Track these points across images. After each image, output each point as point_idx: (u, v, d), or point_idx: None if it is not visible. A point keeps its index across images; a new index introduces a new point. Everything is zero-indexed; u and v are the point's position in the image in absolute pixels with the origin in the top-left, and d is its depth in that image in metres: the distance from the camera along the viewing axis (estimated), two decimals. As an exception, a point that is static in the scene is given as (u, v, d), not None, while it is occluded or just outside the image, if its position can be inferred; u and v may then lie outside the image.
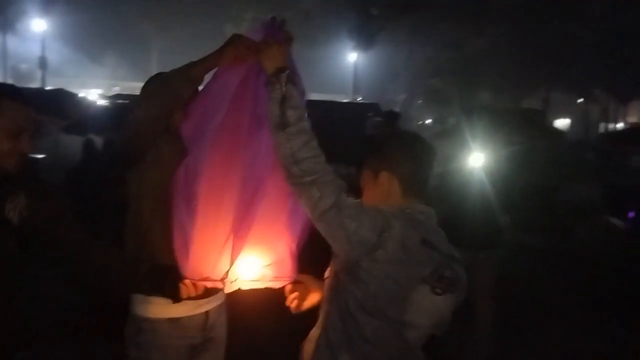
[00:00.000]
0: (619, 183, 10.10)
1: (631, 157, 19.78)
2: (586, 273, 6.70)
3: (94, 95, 20.60)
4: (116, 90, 28.47)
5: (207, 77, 1.77)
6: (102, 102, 13.46)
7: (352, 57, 30.47)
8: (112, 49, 33.04)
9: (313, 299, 1.69)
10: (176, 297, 1.73)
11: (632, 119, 33.13)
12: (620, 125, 32.51)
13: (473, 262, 3.61)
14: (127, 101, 16.40)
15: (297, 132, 1.44)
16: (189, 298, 1.80)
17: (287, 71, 1.49)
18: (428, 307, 1.45)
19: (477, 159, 3.65)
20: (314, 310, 1.69)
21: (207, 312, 1.99)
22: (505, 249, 3.93)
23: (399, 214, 1.45)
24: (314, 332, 1.57)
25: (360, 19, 29.54)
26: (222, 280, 1.68)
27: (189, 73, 1.70)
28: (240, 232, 1.66)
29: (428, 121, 33.28)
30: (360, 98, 29.54)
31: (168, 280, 1.71)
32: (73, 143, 10.99)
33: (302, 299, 1.69)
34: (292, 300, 1.70)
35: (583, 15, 29.54)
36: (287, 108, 1.44)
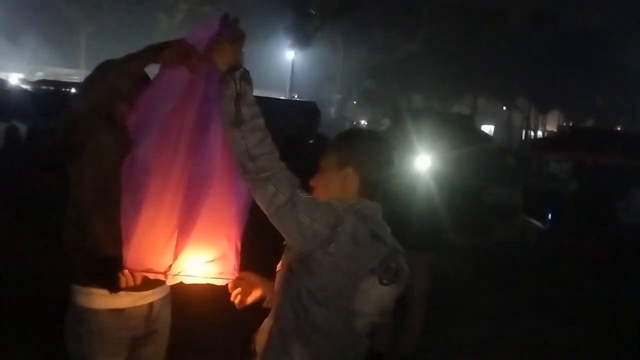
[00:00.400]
0: (537, 187, 10.76)
1: (549, 163, 21.10)
2: (506, 270, 7.13)
3: (15, 79, 19.41)
4: (40, 75, 26.93)
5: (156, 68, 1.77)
6: (26, 87, 12.70)
7: (289, 55, 30.48)
8: (34, 31, 31.10)
9: (256, 294, 1.73)
10: (114, 287, 1.72)
11: (551, 128, 35.27)
12: (540, 133, 34.55)
13: (414, 261, 3.73)
14: (52, 88, 15.61)
15: (252, 129, 1.46)
16: (130, 289, 1.79)
17: (241, 69, 1.51)
18: (375, 297, 1.53)
19: (423, 160, 3.75)
20: (260, 303, 1.74)
21: (151, 304, 1.97)
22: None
23: (350, 209, 1.51)
24: (266, 323, 1.61)
25: (297, 18, 29.62)
26: (165, 273, 1.69)
27: (126, 67, 1.70)
28: (185, 226, 1.68)
29: (362, 121, 33.86)
30: (296, 96, 29.62)
31: (105, 269, 1.70)
32: (-7, 129, 10.33)
33: (245, 294, 1.73)
34: (235, 296, 1.73)
35: (507, 28, 31.19)
36: (241, 106, 1.46)
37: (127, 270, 1.70)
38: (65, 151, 1.87)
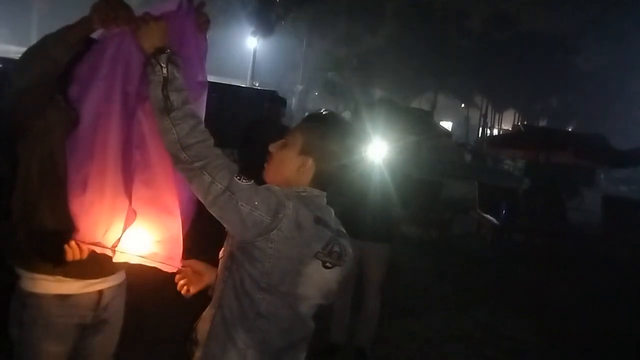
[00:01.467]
0: (492, 183, 11.01)
1: (504, 161, 21.68)
2: (461, 263, 7.27)
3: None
4: (-12, 51, 25.68)
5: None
6: (-29, 63, 12.06)
7: (251, 43, 30.09)
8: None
9: (202, 282, 1.68)
10: (60, 261, 1.64)
11: (506, 126, 36.22)
12: (496, 131, 35.44)
13: (367, 253, 3.74)
14: (0, 65, 14.88)
15: (182, 117, 1.38)
16: (78, 275, 1.74)
17: (168, 51, 1.42)
18: (319, 280, 1.50)
19: (377, 151, 3.74)
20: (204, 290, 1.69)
21: (101, 292, 1.89)
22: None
23: (291, 194, 1.47)
24: (208, 312, 1.55)
25: (261, 5, 29.26)
26: (112, 248, 1.63)
27: (65, 37, 1.60)
28: (136, 202, 1.62)
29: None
30: (257, 84, 29.32)
31: (50, 243, 1.63)
32: None
33: (191, 283, 1.67)
34: (182, 286, 1.68)
35: (469, 27, 31.85)
36: (169, 91, 1.38)
37: (74, 243, 1.63)
38: (11, 130, 1.76)
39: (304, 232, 1.44)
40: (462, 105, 38.30)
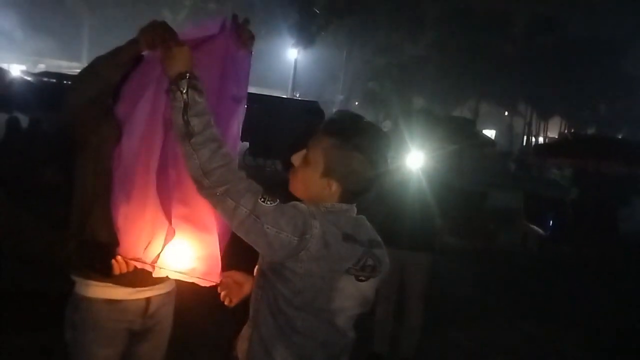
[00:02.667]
0: (538, 193, 10.75)
1: (550, 170, 21.11)
2: (506, 274, 7.11)
3: (17, 71, 19.38)
4: (42, 67, 26.89)
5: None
6: (27, 79, 12.68)
7: (292, 54, 30.44)
8: (37, 23, 31.05)
9: (243, 291, 1.71)
10: (107, 274, 1.71)
11: (552, 134, 35.28)
12: (541, 140, 34.55)
13: (408, 263, 3.72)
14: (54, 80, 15.57)
15: (203, 142, 1.38)
16: (126, 282, 1.80)
17: (188, 76, 1.42)
18: (353, 293, 1.49)
19: (415, 160, 3.73)
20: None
21: (148, 299, 1.94)
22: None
23: (318, 212, 1.45)
24: (246, 330, 1.57)
25: (302, 17, 29.61)
26: (152, 264, 1.68)
27: (115, 58, 1.68)
28: (175, 219, 1.66)
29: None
30: (298, 95, 29.61)
31: (98, 256, 1.69)
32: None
33: (232, 293, 1.71)
34: (224, 297, 1.71)
35: (512, 33, 31.23)
36: (189, 116, 1.38)
37: (120, 258, 1.70)
38: (68, 144, 1.87)
39: (333, 250, 1.42)
40: (506, 113, 37.53)
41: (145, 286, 1.91)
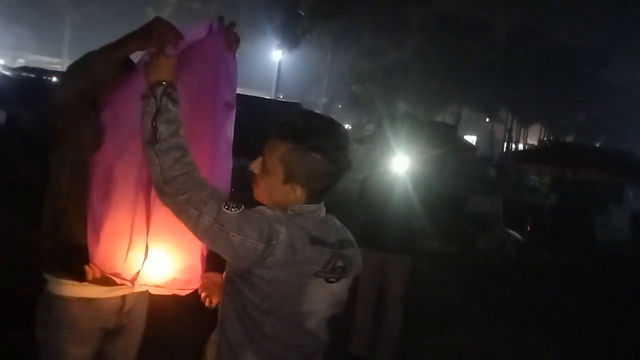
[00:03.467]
0: (517, 199, 10.87)
1: (529, 176, 21.39)
2: (484, 279, 7.17)
3: (-5, 65, 19.03)
4: (21, 62, 26.46)
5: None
6: (6, 74, 12.46)
7: (276, 56, 30.39)
8: (18, 18, 30.53)
9: (221, 292, 1.68)
10: (81, 278, 1.68)
11: (532, 141, 35.77)
12: (521, 146, 35.01)
13: (389, 265, 3.74)
14: (33, 75, 15.34)
15: (167, 149, 1.37)
16: (100, 281, 1.74)
17: (164, 83, 1.42)
18: (324, 295, 1.47)
19: (401, 164, 3.75)
20: None
21: (124, 297, 1.92)
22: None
23: (284, 217, 1.43)
24: (214, 336, 1.54)
25: (286, 19, 29.59)
26: (132, 280, 1.64)
27: (109, 57, 1.62)
28: (155, 234, 1.62)
29: (347, 126, 33.97)
30: (282, 96, 29.57)
31: (73, 259, 1.67)
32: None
33: (212, 294, 1.68)
34: (204, 298, 1.69)
35: (494, 41, 31.66)
36: (159, 123, 1.38)
37: (93, 265, 1.66)
38: (46, 142, 1.83)
39: (300, 255, 1.40)
40: (487, 119, 37.96)
41: (120, 284, 1.88)
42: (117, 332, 1.96)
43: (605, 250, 8.82)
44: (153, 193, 1.57)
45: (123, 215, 1.62)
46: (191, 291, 1.71)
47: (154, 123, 1.37)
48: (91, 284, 1.80)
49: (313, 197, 1.48)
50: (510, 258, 8.44)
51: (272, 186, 1.46)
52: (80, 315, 1.83)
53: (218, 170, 1.71)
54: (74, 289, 1.81)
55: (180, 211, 1.38)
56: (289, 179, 1.44)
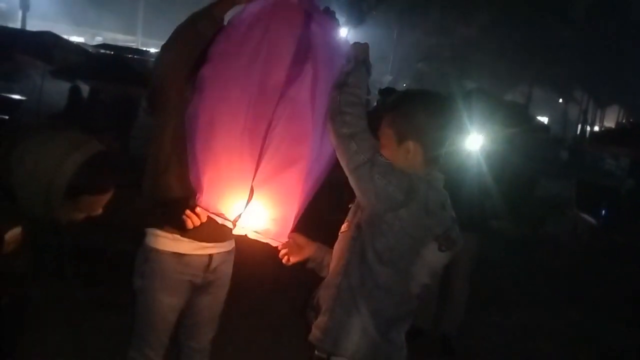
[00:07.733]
0: (591, 182, 10.40)
1: (604, 159, 20.35)
2: (553, 262, 6.98)
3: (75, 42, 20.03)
4: (99, 40, 27.68)
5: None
6: (88, 50, 13.14)
7: (342, 33, 30.18)
8: (96, -1, 31.91)
9: (301, 254, 1.81)
10: (181, 227, 1.79)
11: (609, 124, 33.88)
12: (596, 129, 33.23)
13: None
14: (111, 52, 16.08)
15: (350, 93, 1.60)
16: (191, 237, 1.90)
17: (365, 61, 1.69)
18: (431, 262, 1.60)
19: (474, 141, 3.70)
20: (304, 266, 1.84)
21: (211, 256, 2.06)
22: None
23: (422, 179, 1.57)
24: (330, 280, 1.66)
25: (352, -5, 29.21)
26: (234, 222, 1.71)
27: (212, 13, 1.78)
28: (259, 179, 1.68)
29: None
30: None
31: (172, 208, 1.80)
32: (56, 88, 10.75)
33: (291, 253, 1.80)
34: (283, 255, 1.81)
35: (570, 17, 29.88)
36: (352, 76, 1.63)
37: (197, 210, 1.74)
38: (155, 105, 1.95)
39: (430, 215, 1.54)
40: (560, 100, 36.19)
41: (208, 242, 2.01)
42: (204, 288, 2.10)
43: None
44: (267, 142, 1.66)
45: (228, 160, 1.69)
46: (279, 244, 1.79)
47: (348, 76, 1.63)
48: (183, 239, 1.95)
49: (431, 158, 1.61)
50: (582, 242, 8.14)
51: (393, 155, 1.59)
52: (172, 268, 1.99)
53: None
54: (167, 243, 1.97)
55: (342, 143, 1.56)
56: (404, 134, 1.59)
